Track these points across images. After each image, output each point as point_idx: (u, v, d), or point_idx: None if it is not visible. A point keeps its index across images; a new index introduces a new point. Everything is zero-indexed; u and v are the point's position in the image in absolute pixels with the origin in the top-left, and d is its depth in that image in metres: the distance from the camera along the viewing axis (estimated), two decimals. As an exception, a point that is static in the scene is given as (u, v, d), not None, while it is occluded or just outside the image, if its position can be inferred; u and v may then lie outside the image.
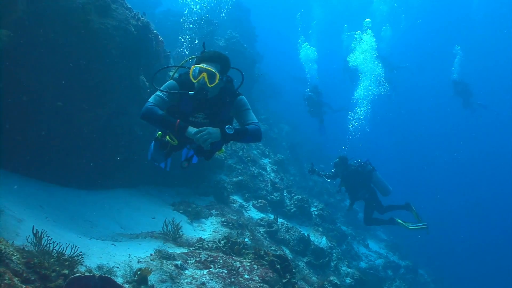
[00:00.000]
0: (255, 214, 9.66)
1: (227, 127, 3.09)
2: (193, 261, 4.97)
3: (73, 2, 5.94)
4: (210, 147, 3.13)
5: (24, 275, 2.79)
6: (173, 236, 5.95)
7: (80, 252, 3.48)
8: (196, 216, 7.73)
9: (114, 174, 7.38)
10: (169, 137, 3.39)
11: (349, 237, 13.86)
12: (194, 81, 3.11)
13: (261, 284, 4.95)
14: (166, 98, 3.19)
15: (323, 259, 9.13)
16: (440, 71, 27.71)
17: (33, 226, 3.69)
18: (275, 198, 10.93)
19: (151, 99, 3.16)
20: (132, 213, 6.81)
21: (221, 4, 20.77)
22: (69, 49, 5.97)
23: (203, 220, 7.80)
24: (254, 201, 10.32)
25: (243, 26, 20.63)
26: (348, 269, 10.28)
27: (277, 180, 12.37)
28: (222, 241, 5.94)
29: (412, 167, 37.18)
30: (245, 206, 9.91)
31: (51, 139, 6.26)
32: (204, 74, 3.07)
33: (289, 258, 6.31)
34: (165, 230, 5.98)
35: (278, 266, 5.40)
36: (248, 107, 3.44)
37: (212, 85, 3.09)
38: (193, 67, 3.14)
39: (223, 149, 3.57)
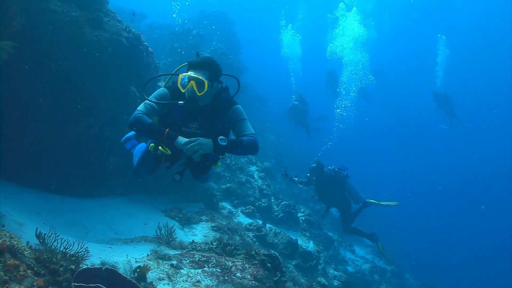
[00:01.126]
0: (244, 220, 9.89)
1: (220, 138, 2.90)
2: (188, 261, 5.19)
3: (67, 15, 6.19)
4: (200, 159, 2.93)
5: (35, 269, 2.98)
6: (167, 239, 6.14)
7: (87, 248, 3.69)
8: (187, 222, 7.94)
9: (107, 182, 7.54)
10: (162, 147, 3.09)
11: (335, 243, 14.12)
12: (183, 90, 2.97)
13: (253, 282, 5.18)
14: (155, 106, 3.05)
15: (311, 262, 9.38)
16: (427, 71, 27.86)
17: (37, 228, 3.91)
18: (263, 204, 11.17)
19: (140, 107, 3.02)
20: (125, 220, 6.98)
21: (206, 16, 21.23)
22: (63, 60, 6.19)
23: (194, 225, 8.01)
24: (242, 207, 10.57)
25: (228, 37, 21.05)
26: (336, 272, 10.56)
27: (264, 186, 12.64)
28: (214, 243, 6.16)
29: (397, 170, 37.26)
30: (234, 212, 10.14)
31: (45, 149, 6.41)
32: (193, 83, 2.92)
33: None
34: (158, 234, 6.18)
35: (269, 265, 5.64)
36: (244, 117, 3.27)
37: (202, 93, 2.94)
38: (180, 76, 2.99)
39: (219, 162, 3.37)
